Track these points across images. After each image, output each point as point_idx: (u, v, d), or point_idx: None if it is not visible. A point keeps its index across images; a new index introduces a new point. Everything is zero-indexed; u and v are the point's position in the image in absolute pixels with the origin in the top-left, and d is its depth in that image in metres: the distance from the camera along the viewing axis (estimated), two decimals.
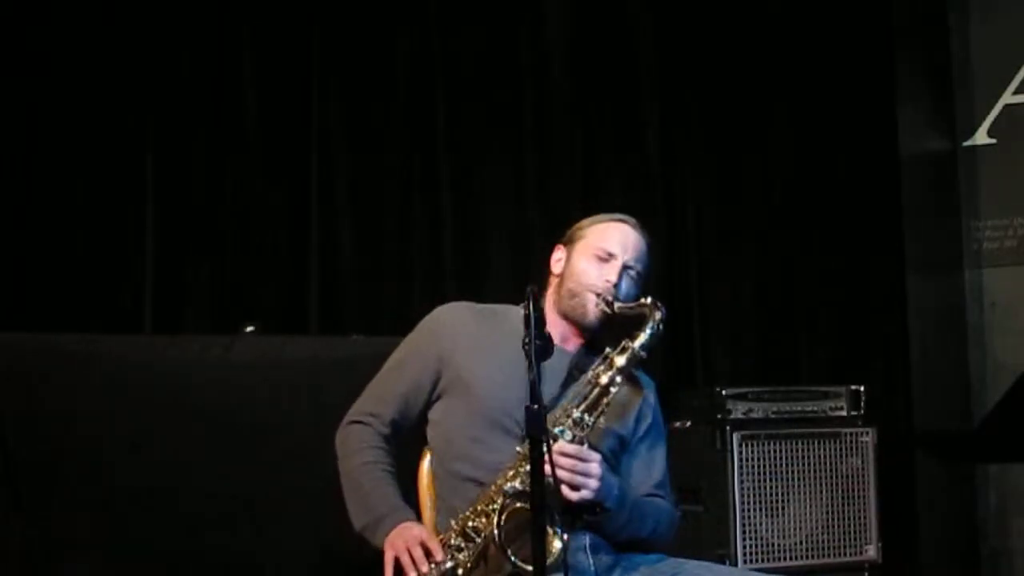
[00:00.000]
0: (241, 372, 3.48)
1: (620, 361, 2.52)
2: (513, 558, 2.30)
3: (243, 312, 3.94)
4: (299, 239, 4.17)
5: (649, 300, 2.57)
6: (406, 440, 2.69)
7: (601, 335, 2.64)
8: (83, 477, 3.26)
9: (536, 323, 2.29)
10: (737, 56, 4.99)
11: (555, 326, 2.63)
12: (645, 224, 2.73)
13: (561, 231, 2.71)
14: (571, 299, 2.64)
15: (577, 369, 2.60)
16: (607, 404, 2.51)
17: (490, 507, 2.41)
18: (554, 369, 2.53)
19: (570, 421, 2.47)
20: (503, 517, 2.35)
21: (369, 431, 2.63)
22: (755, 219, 4.99)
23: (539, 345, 2.28)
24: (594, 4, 4.78)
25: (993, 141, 5.18)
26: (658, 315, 2.53)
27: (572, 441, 2.45)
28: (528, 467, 2.24)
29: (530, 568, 2.25)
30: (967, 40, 5.24)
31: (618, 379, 2.51)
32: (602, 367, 2.53)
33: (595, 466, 2.44)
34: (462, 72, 4.50)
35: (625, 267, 2.64)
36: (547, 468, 2.27)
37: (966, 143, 5.23)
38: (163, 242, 3.95)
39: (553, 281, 2.73)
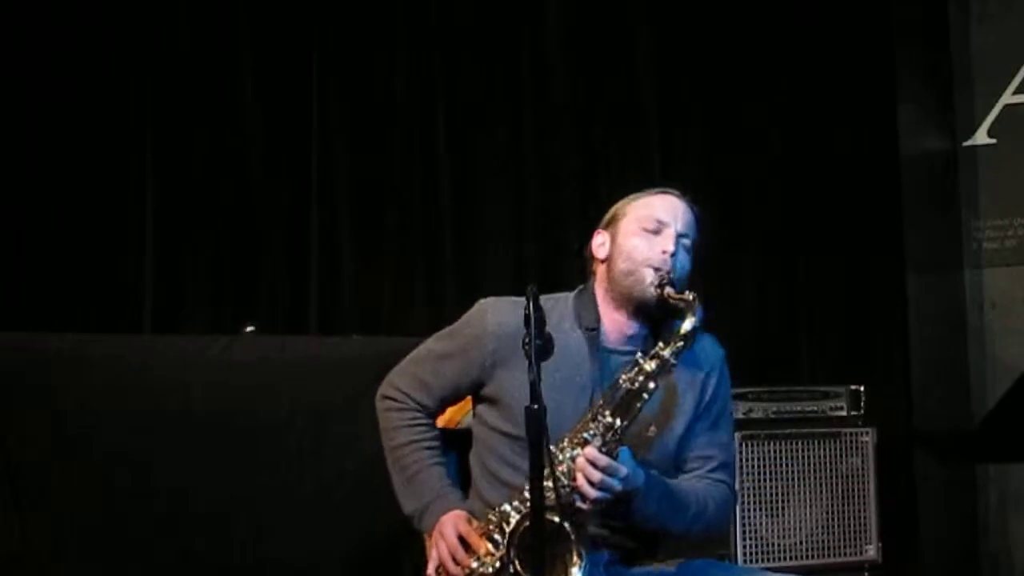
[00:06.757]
0: (241, 372, 3.48)
1: (649, 367, 2.40)
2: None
3: (243, 312, 3.94)
4: (299, 239, 4.17)
5: (691, 296, 2.44)
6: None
7: (661, 315, 2.50)
8: (82, 477, 3.26)
9: (536, 323, 2.25)
10: (737, 55, 4.98)
11: (609, 317, 2.52)
12: None
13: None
14: (627, 278, 2.49)
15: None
16: (639, 409, 2.39)
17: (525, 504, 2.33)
18: (612, 365, 2.46)
19: (601, 426, 2.37)
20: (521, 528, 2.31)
21: (407, 410, 2.55)
22: (755, 218, 4.98)
23: (539, 345, 2.24)
24: (593, 7, 4.78)
25: (993, 141, 5.18)
26: (692, 320, 2.41)
27: (602, 449, 2.33)
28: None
29: None
30: (967, 40, 5.23)
31: (650, 385, 2.39)
32: (633, 371, 2.40)
33: (617, 484, 2.32)
34: (462, 73, 4.49)
35: (679, 235, 2.51)
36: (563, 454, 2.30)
37: (966, 143, 5.22)
38: (163, 242, 3.94)
39: (599, 268, 2.57)
